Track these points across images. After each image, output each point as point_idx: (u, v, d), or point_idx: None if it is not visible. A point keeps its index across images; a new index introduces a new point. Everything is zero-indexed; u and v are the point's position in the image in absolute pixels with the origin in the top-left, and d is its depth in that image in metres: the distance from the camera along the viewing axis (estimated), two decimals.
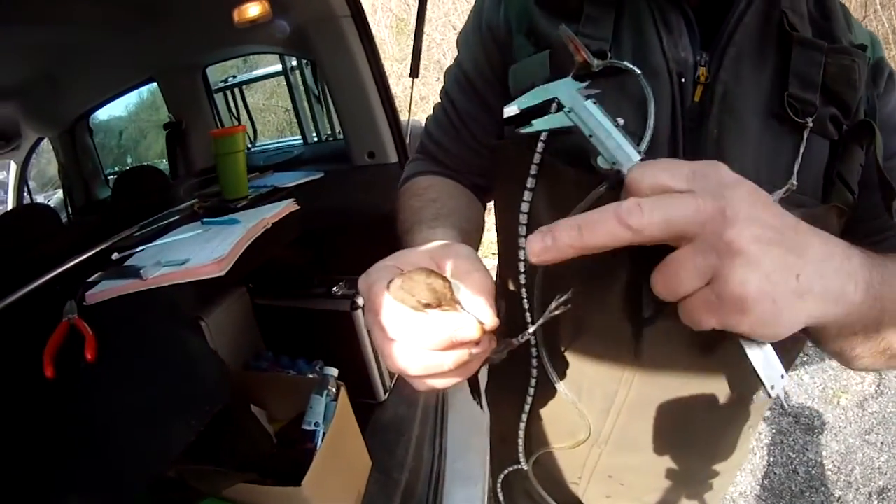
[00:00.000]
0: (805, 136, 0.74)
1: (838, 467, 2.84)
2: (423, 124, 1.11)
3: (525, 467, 1.02)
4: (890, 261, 0.69)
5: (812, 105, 0.73)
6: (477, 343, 0.56)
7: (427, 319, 0.55)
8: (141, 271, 1.40)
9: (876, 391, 3.22)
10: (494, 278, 0.67)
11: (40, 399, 1.15)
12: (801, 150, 0.74)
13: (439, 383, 0.58)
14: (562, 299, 0.69)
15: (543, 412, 0.99)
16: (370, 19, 2.25)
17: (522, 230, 0.82)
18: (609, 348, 0.84)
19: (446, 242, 0.69)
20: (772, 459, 2.92)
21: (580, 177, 0.75)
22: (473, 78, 0.94)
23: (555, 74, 0.76)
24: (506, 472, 1.09)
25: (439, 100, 1.05)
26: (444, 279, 0.56)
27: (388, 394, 2.18)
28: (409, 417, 2.05)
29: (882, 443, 2.92)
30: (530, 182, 0.81)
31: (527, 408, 0.96)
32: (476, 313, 0.55)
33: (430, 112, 1.09)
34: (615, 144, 0.62)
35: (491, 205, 1.03)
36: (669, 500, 1.04)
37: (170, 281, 1.39)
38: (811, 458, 2.90)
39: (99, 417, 1.09)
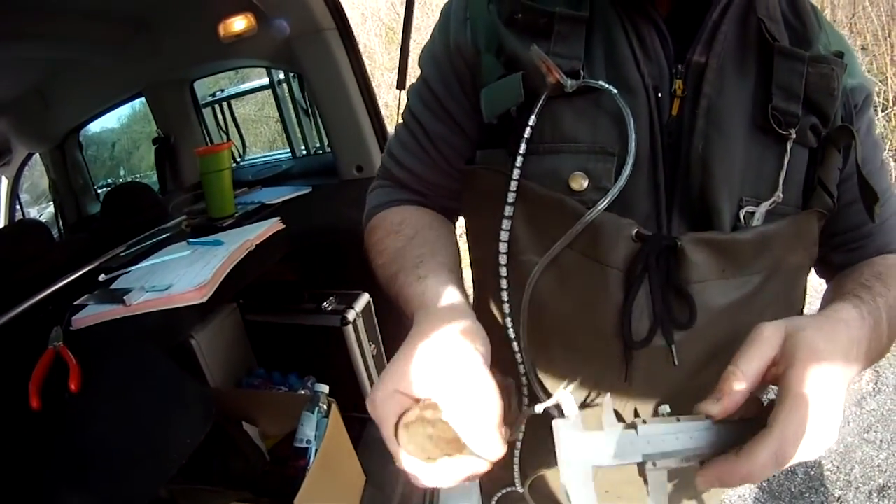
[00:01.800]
0: (788, 148, 0.74)
1: (837, 466, 2.82)
2: (386, 146, 1.06)
3: (521, 490, 1.00)
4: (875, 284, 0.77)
5: (795, 116, 0.73)
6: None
7: (438, 470, 0.59)
8: (125, 297, 1.40)
9: (874, 389, 3.21)
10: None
11: (27, 430, 1.15)
12: (786, 161, 0.74)
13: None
14: (569, 387, 0.69)
15: (538, 436, 0.94)
16: (360, 28, 2.25)
17: (503, 259, 0.80)
18: (600, 370, 0.83)
19: (445, 329, 0.66)
20: None
21: (558, 198, 0.75)
22: (443, 98, 0.91)
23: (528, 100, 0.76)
24: (500, 494, 1.08)
25: (401, 120, 1.01)
26: (447, 429, 0.58)
27: None
28: None
29: (881, 440, 2.91)
30: (508, 210, 0.79)
31: (520, 434, 0.94)
32: (484, 453, 0.58)
33: None
34: (706, 444, 0.63)
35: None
36: None
37: (152, 307, 1.39)
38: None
39: (85, 449, 1.08)
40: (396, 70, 2.05)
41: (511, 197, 0.78)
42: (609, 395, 0.64)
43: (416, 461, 0.60)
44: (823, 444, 0.59)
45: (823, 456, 2.88)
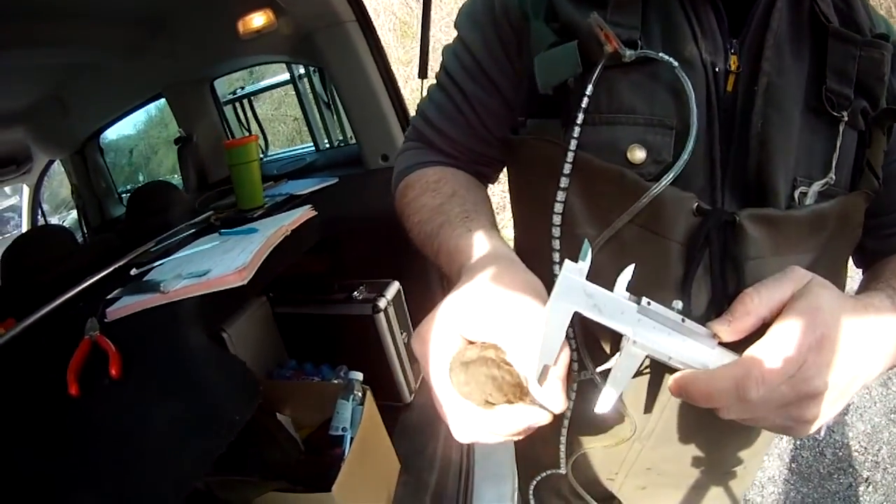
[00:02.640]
0: (841, 130, 0.74)
1: (865, 447, 2.81)
2: (418, 108, 1.04)
3: (564, 471, 0.98)
4: None
5: (847, 99, 0.74)
6: None
7: (496, 416, 0.54)
8: (161, 285, 1.40)
9: None
10: None
11: (66, 417, 1.15)
12: (838, 143, 0.74)
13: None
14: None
15: (585, 413, 0.92)
16: (374, 22, 2.25)
17: (556, 231, 0.78)
18: None
19: (505, 271, 0.64)
20: (799, 443, 2.89)
21: (618, 171, 0.74)
22: (484, 62, 0.89)
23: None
24: (541, 475, 1.05)
25: (436, 82, 1.00)
26: (512, 372, 0.54)
27: (413, 395, 2.19)
28: (436, 418, 2.04)
29: None
30: (564, 181, 0.77)
31: (569, 413, 0.91)
32: (548, 403, 0.55)
33: None
34: (695, 358, 0.61)
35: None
36: (703, 483, 1.03)
37: (192, 293, 1.38)
38: (838, 439, 2.88)
39: (126, 434, 1.08)
40: (411, 64, 2.07)
41: (567, 168, 0.77)
42: (633, 265, 0.60)
43: (469, 407, 0.55)
44: (809, 411, 0.58)
45: (850, 437, 2.87)
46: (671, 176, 0.70)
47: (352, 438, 1.62)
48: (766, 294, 0.61)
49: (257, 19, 2.29)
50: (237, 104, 3.59)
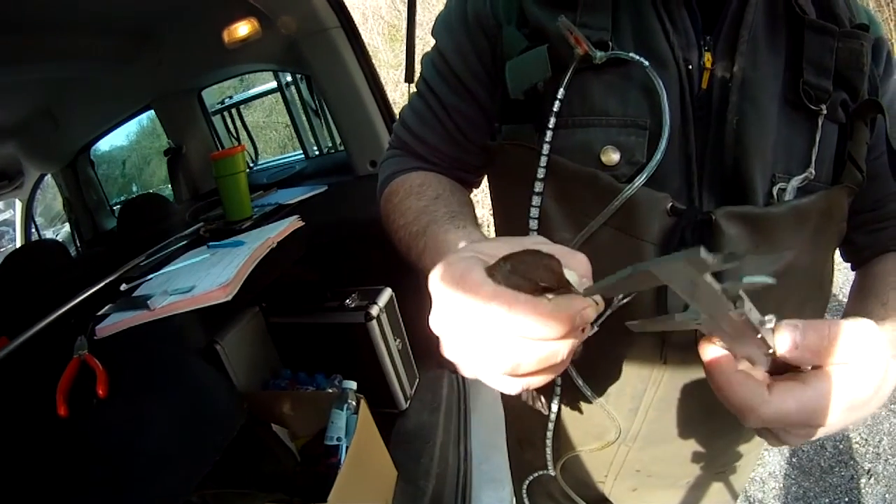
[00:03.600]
0: (820, 123, 0.73)
1: (866, 439, 2.81)
2: (399, 115, 1.04)
3: (553, 473, 0.99)
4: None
5: (826, 92, 0.73)
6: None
7: (552, 304, 0.47)
8: (148, 302, 1.39)
9: None
10: None
11: (55, 438, 1.15)
12: (818, 137, 0.73)
13: (537, 381, 0.52)
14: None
15: (569, 416, 0.96)
16: (362, 28, 2.26)
17: (533, 234, 0.79)
18: (635, 350, 0.82)
19: (502, 238, 0.61)
20: None
21: (591, 173, 0.74)
22: (460, 71, 0.89)
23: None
24: (532, 477, 1.07)
25: (415, 89, 1.00)
26: (556, 259, 0.50)
27: (409, 402, 2.18)
28: (432, 424, 2.04)
29: None
30: (538, 186, 0.78)
31: (552, 415, 0.92)
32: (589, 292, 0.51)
33: None
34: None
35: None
36: (697, 484, 1.03)
37: (177, 310, 1.38)
38: (838, 432, 2.88)
39: (115, 453, 1.08)
40: (400, 67, 2.07)
41: (541, 173, 0.77)
42: None
43: (521, 298, 0.47)
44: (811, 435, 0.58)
45: (850, 429, 2.87)
46: (644, 176, 0.70)
47: (347, 447, 1.61)
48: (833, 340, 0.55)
49: (242, 28, 2.29)
50: (226, 113, 3.59)
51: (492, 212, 1.01)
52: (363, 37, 2.33)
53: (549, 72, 0.75)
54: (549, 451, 0.97)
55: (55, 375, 1.22)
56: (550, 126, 0.75)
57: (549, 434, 0.95)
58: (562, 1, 0.75)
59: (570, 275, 0.51)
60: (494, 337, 0.48)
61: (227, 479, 1.51)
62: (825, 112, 0.73)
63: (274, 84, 3.35)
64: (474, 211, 0.91)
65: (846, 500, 2.57)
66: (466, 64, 0.88)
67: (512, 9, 0.80)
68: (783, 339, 0.53)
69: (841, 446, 2.80)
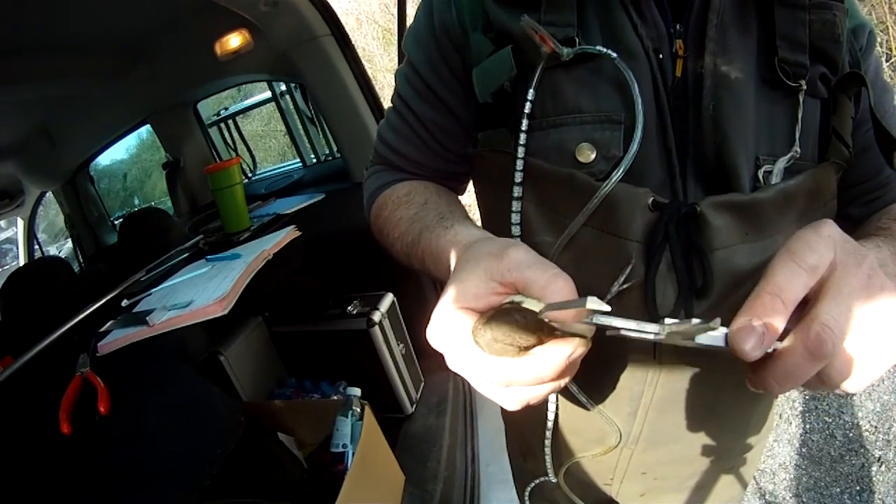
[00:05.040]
0: (801, 100, 0.72)
1: (875, 426, 2.80)
2: (378, 131, 1.03)
3: (554, 480, 0.98)
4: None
5: (803, 67, 0.72)
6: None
7: (536, 361, 0.52)
8: (148, 318, 1.40)
9: None
10: None
11: (59, 456, 1.16)
12: (800, 114, 0.72)
13: (536, 400, 0.57)
14: (627, 272, 0.68)
15: (567, 423, 0.95)
16: (356, 33, 2.27)
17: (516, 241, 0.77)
18: (629, 352, 0.81)
19: (485, 244, 0.63)
20: (808, 427, 2.88)
21: (568, 174, 0.73)
22: (432, 83, 0.88)
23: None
24: (533, 484, 1.06)
25: (391, 104, 0.99)
26: (530, 311, 0.52)
27: (414, 406, 2.18)
28: (439, 427, 2.04)
29: None
30: (517, 191, 0.77)
31: (549, 424, 0.92)
32: (577, 328, 0.52)
33: None
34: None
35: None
36: (705, 483, 1.01)
37: (176, 325, 1.38)
38: (847, 420, 2.86)
39: (116, 469, 1.09)
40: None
41: (518, 177, 0.76)
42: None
43: (506, 364, 0.52)
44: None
45: (860, 417, 2.86)
46: (620, 171, 0.69)
47: (353, 454, 1.62)
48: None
49: (234, 40, 2.30)
50: (222, 125, 3.59)
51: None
52: (358, 42, 2.34)
53: (514, 71, 0.74)
54: (548, 459, 0.96)
55: (58, 393, 1.23)
56: (524, 128, 0.75)
57: (548, 443, 0.94)
58: (525, 1, 0.74)
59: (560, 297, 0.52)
60: (492, 391, 0.56)
61: (235, 489, 1.52)
62: (805, 88, 0.72)
63: (269, 94, 3.35)
64: (462, 207, 0.91)
65: (857, 488, 2.56)
66: (438, 75, 0.87)
67: (477, 15, 0.79)
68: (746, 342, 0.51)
69: (851, 434, 2.79)
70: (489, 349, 0.53)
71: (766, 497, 2.63)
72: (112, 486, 1.06)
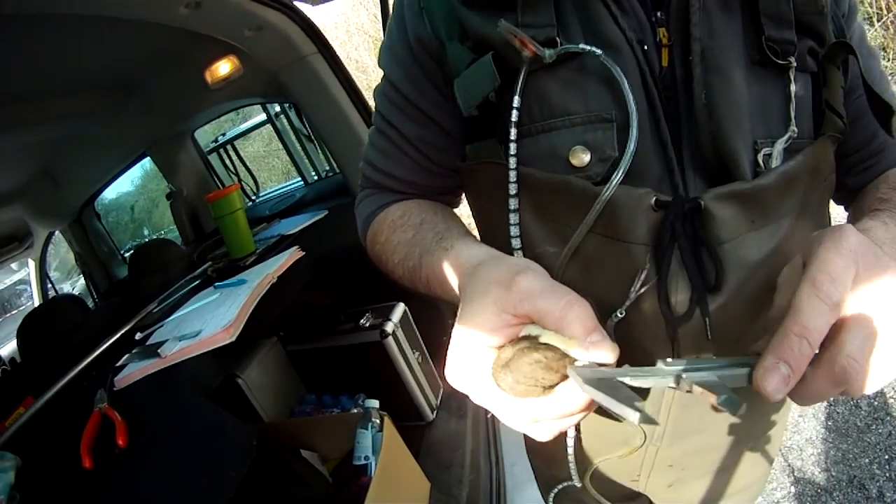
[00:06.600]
0: (792, 77, 0.70)
1: None
2: (363, 155, 1.00)
3: (579, 485, 0.95)
4: None
5: (791, 43, 0.69)
6: None
7: (563, 399, 0.52)
8: (159, 350, 1.42)
9: None
10: None
11: (83, 489, 1.20)
12: (793, 92, 0.70)
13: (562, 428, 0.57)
14: (643, 276, 0.66)
15: (590, 428, 0.93)
16: (348, 45, 2.28)
17: (518, 256, 0.75)
18: (648, 351, 0.76)
19: (491, 269, 0.61)
20: (832, 399, 2.84)
21: (563, 180, 0.70)
22: (414, 98, 0.84)
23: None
24: (557, 489, 1.04)
25: (373, 126, 0.95)
26: (549, 346, 0.52)
27: (435, 412, 2.19)
28: (461, 432, 2.05)
29: None
30: (513, 203, 0.74)
31: (571, 431, 0.89)
32: (597, 357, 0.51)
33: None
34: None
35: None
36: (732, 465, 0.99)
37: (187, 355, 1.40)
38: None
39: (137, 499, 1.13)
40: None
41: (513, 188, 0.73)
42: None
43: (533, 403, 0.52)
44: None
45: (885, 384, 2.83)
46: (620, 173, 0.65)
47: (376, 465, 1.63)
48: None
49: (223, 67, 2.32)
50: (221, 151, 3.61)
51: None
52: (350, 54, 2.36)
53: (497, 80, 0.70)
54: (572, 465, 0.92)
55: (79, 429, 1.27)
56: (512, 137, 0.71)
57: (571, 450, 0.91)
58: (499, 4, 0.70)
59: (575, 352, 0.52)
60: (516, 422, 0.55)
61: None
62: (795, 64, 0.69)
63: (264, 116, 3.37)
64: (460, 221, 0.88)
65: (886, 457, 2.53)
66: (420, 89, 0.84)
67: (452, 24, 0.75)
68: (771, 384, 0.52)
69: (876, 403, 2.76)
70: (513, 392, 0.52)
71: (795, 473, 2.61)
72: None
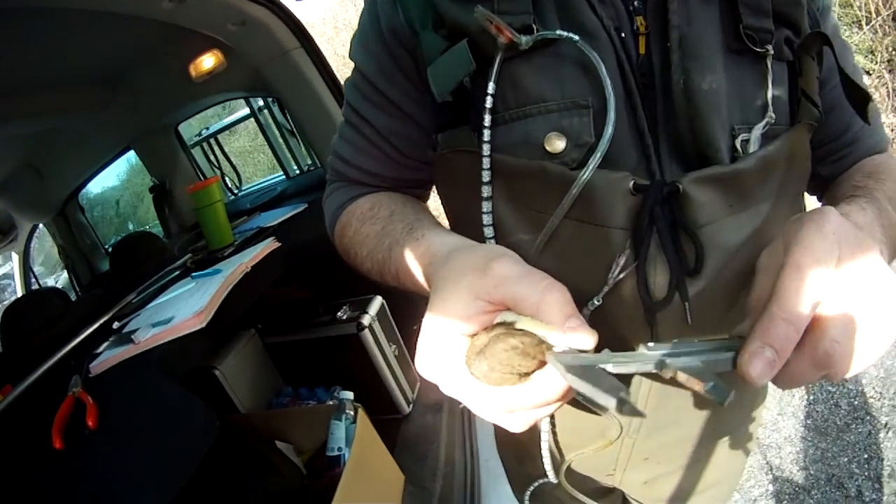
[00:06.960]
0: (769, 65, 0.71)
1: (880, 393, 2.77)
2: (332, 147, 0.98)
3: (555, 481, 0.93)
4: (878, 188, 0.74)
5: (768, 32, 0.70)
6: None
7: (540, 386, 0.51)
8: (133, 336, 1.44)
9: None
10: None
11: (51, 468, 1.23)
12: (770, 80, 0.71)
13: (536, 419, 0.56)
14: (622, 261, 0.66)
15: (565, 422, 0.93)
16: (335, 41, 2.29)
17: (490, 244, 0.74)
18: (626, 338, 0.75)
19: (465, 256, 0.61)
20: (812, 398, 2.86)
21: (539, 166, 0.70)
22: (385, 89, 0.83)
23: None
24: (533, 486, 1.03)
25: (343, 118, 0.94)
26: (526, 332, 0.51)
27: (411, 405, 2.20)
28: (436, 424, 2.06)
29: None
30: (486, 190, 0.73)
31: (546, 426, 0.89)
32: (575, 342, 0.50)
33: None
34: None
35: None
36: (707, 459, 1.00)
37: (159, 341, 1.42)
38: (851, 388, 2.84)
39: (103, 476, 1.17)
40: None
41: (486, 176, 0.72)
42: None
43: (509, 392, 0.51)
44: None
45: (864, 384, 2.84)
46: (598, 156, 0.65)
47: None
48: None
49: (207, 61, 2.33)
50: (205, 144, 3.61)
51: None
52: (338, 50, 2.36)
53: (472, 65, 0.70)
54: (546, 461, 0.91)
55: (52, 413, 1.30)
56: (486, 124, 0.71)
57: (545, 445, 0.89)
58: None
59: (552, 337, 0.51)
60: (489, 412, 0.54)
61: (235, 499, 1.54)
62: (772, 53, 0.70)
63: (248, 110, 3.37)
64: (430, 213, 0.87)
65: (865, 456, 2.54)
66: (392, 81, 0.83)
67: (426, 12, 0.75)
68: (756, 369, 0.51)
69: (856, 402, 2.77)
70: (487, 380, 0.51)
71: (774, 471, 2.62)
72: (98, 491, 1.13)
